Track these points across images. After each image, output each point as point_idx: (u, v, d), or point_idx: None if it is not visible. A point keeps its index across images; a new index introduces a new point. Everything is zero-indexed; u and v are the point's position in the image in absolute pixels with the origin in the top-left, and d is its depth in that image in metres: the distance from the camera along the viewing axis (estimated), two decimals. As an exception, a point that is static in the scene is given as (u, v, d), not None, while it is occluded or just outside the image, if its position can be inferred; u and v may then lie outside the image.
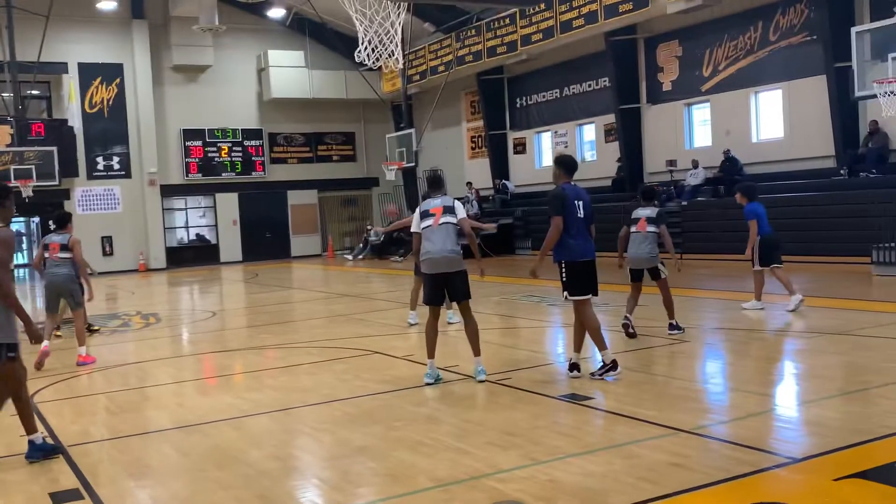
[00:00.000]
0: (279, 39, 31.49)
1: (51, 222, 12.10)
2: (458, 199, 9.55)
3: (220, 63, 30.59)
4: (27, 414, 5.79)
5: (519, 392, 7.03)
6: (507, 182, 27.81)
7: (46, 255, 10.12)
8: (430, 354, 7.58)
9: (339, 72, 31.53)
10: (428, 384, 7.43)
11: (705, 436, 5.47)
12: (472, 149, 29.94)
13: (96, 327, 13.00)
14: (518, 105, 27.86)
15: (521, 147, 27.91)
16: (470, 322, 7.59)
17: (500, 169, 28.17)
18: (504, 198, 27.45)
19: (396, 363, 8.71)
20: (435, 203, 7.62)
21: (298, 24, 31.22)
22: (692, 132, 22.24)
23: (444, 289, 7.58)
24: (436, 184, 7.88)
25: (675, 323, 9.38)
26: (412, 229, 7.74)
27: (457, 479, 4.80)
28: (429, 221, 7.51)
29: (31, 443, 5.74)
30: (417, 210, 7.75)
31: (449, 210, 7.55)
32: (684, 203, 20.22)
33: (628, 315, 9.32)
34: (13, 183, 24.72)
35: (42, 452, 5.74)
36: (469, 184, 28.12)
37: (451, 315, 10.87)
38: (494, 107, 28.20)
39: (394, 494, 4.67)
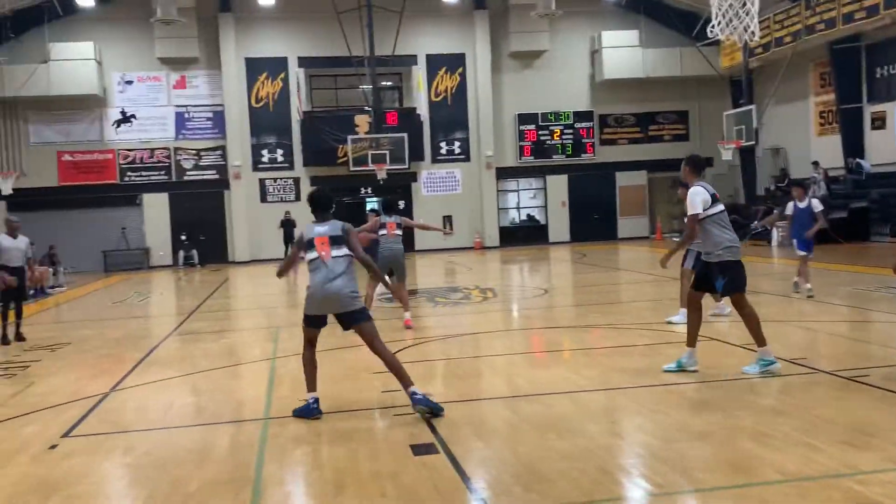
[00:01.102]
0: (613, 20, 31.36)
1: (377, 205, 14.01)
2: (805, 179, 9.08)
3: (555, 47, 31.23)
4: (398, 368, 6.36)
5: (874, 390, 6.40)
6: (861, 161, 25.12)
7: (384, 232, 11.38)
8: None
9: (673, 49, 30.67)
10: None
11: None
12: (821, 125, 27.45)
13: None
14: (878, 75, 24.95)
15: (880, 122, 25.00)
16: (749, 311, 7.26)
17: (853, 146, 25.50)
18: (858, 178, 24.83)
19: (734, 351, 8.34)
20: (714, 190, 7.56)
21: (633, 2, 30.86)
22: None
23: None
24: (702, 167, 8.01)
25: None
26: (692, 211, 7.33)
27: (809, 475, 4.51)
28: (720, 207, 7.38)
29: (413, 393, 6.22)
30: (703, 192, 7.33)
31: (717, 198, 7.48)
32: None
33: None
34: (370, 167, 27.63)
35: (425, 405, 6.15)
36: (815, 163, 25.87)
37: (675, 317, 10.26)
38: (849, 78, 25.53)
39: (738, 484, 4.50)
